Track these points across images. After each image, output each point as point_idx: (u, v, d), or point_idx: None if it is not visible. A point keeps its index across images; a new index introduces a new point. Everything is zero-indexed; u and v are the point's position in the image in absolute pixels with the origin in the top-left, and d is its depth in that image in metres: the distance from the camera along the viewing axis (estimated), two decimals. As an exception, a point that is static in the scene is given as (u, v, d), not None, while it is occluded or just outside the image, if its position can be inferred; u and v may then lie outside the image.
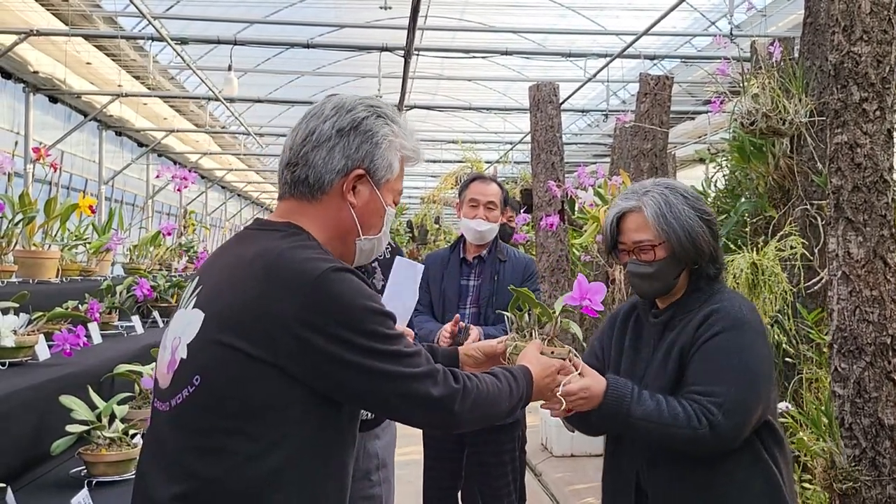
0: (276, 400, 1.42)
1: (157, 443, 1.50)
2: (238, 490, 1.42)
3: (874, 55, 2.60)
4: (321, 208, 1.57)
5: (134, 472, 2.21)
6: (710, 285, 2.00)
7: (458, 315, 3.22)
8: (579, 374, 1.79)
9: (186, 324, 1.49)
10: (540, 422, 6.72)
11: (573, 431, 6.11)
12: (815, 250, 3.42)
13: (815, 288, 3.29)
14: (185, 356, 1.47)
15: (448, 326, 3.18)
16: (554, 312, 1.83)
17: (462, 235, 3.54)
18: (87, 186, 11.14)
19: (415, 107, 10.33)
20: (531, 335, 1.83)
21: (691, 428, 1.79)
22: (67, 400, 2.46)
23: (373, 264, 2.65)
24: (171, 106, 12.62)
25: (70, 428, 2.42)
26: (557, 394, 1.74)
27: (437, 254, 3.71)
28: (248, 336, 1.42)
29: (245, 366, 1.42)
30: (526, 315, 1.88)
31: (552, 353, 1.76)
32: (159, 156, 14.03)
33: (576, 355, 1.82)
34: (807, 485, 3.36)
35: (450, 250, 3.57)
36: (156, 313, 4.57)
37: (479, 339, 3.16)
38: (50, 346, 2.93)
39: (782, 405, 2.95)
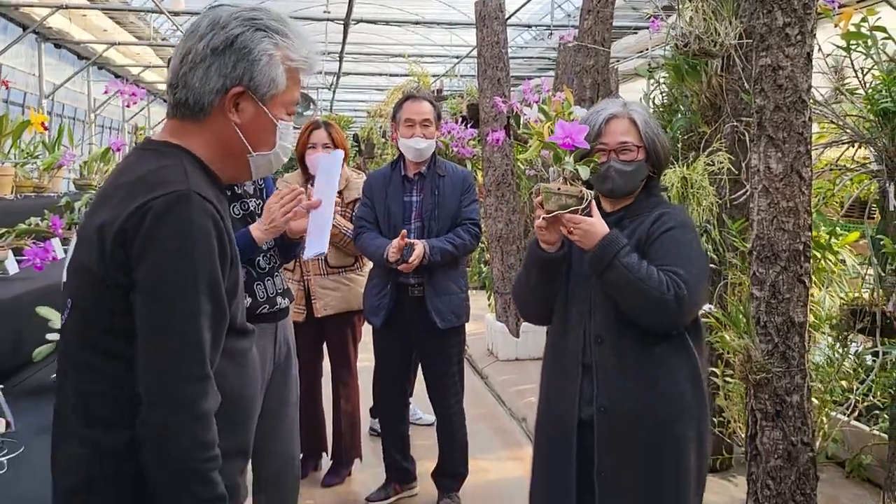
0: (132, 321, 1.41)
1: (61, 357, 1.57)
2: (115, 408, 1.43)
3: (797, -18, 2.78)
4: (205, 128, 1.55)
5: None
6: (657, 195, 2.33)
7: (404, 230, 3.43)
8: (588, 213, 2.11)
9: (71, 245, 1.56)
10: (486, 328, 7.04)
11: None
12: (743, 165, 3.67)
13: (741, 200, 3.55)
14: (64, 279, 1.51)
15: (395, 242, 3.39)
16: (562, 160, 2.12)
17: (401, 154, 3.69)
18: (27, 100, 10.88)
19: (361, 20, 10.25)
20: (557, 177, 2.15)
21: (660, 291, 2.05)
22: (44, 310, 2.61)
23: (246, 189, 2.92)
24: (112, 18, 12.27)
25: (49, 336, 2.57)
26: (564, 216, 2.08)
27: (379, 172, 3.85)
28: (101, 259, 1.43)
29: (100, 288, 1.43)
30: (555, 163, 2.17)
31: (558, 189, 2.07)
32: (100, 69, 13.68)
33: (591, 201, 2.12)
34: (728, 378, 3.70)
35: (391, 168, 3.72)
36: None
37: (424, 253, 3.39)
38: (19, 262, 3.05)
39: (707, 307, 3.24)
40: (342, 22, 10.04)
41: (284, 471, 2.89)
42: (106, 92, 5.67)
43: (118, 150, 5.99)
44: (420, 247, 3.40)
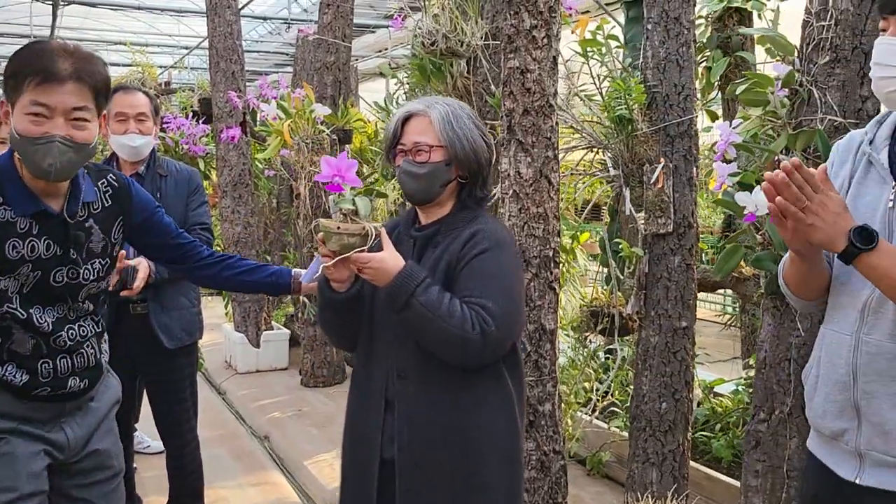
0: None
1: None
2: None
3: (544, -16, 2.74)
4: None
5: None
6: (477, 207, 2.08)
7: (122, 251, 2.80)
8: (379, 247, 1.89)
9: None
10: (224, 339, 6.59)
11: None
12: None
13: (489, 204, 3.49)
14: None
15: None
16: (339, 196, 1.90)
17: (113, 154, 3.21)
18: None
19: (73, 2, 9.25)
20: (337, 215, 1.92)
21: (463, 330, 1.83)
22: None
23: (86, 224, 2.09)
24: None
25: None
26: (348, 259, 1.86)
27: None
28: None
29: None
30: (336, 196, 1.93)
31: (337, 228, 1.85)
32: None
33: (379, 230, 1.90)
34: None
35: None
36: None
37: (149, 272, 2.92)
38: None
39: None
40: (50, 3, 9.01)
41: None
42: None
43: None
44: (144, 267, 2.91)
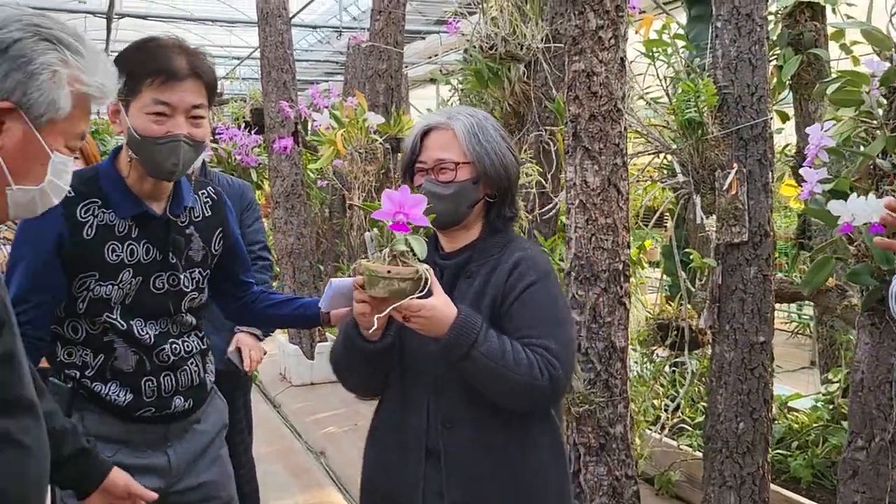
0: None
1: None
2: None
3: (610, -18, 2.59)
4: None
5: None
6: (506, 229, 1.88)
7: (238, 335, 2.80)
8: (428, 291, 1.61)
9: None
10: (278, 351, 6.55)
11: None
12: (549, 176, 3.47)
13: (550, 214, 3.35)
14: None
15: None
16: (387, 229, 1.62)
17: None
18: None
19: (126, 15, 9.35)
20: (380, 254, 1.65)
21: (532, 377, 1.65)
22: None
23: (187, 231, 2.03)
24: None
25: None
26: (398, 307, 1.59)
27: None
28: None
29: None
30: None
31: (388, 272, 1.58)
32: None
33: (430, 277, 1.63)
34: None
35: None
36: None
37: (261, 352, 2.90)
38: None
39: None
40: (104, 16, 9.09)
41: None
42: None
43: None
44: (250, 345, 2.86)
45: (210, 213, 2.09)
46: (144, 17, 9.66)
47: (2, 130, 1.26)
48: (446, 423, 1.78)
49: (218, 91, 2.04)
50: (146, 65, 1.83)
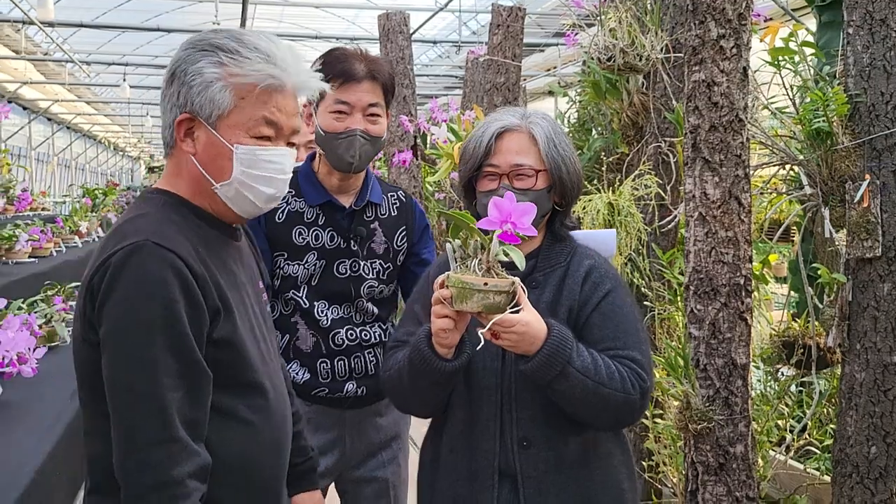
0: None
1: None
2: (107, 475, 1.37)
3: (732, -10, 2.54)
4: (176, 165, 1.52)
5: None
6: (568, 237, 1.84)
7: None
8: (517, 308, 1.55)
9: None
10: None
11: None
12: (668, 188, 3.41)
13: (669, 227, 3.29)
14: None
15: None
16: (489, 239, 1.54)
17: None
18: None
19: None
20: (469, 265, 1.56)
21: (625, 392, 1.62)
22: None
23: (371, 225, 2.21)
24: (-16, 31, 11.42)
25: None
26: (491, 321, 1.51)
27: None
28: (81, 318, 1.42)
29: (85, 348, 1.41)
30: (470, 242, 1.58)
31: (485, 284, 1.50)
32: (-30, 85, 12.74)
33: (523, 289, 1.57)
34: (659, 420, 3.42)
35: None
36: (-32, 265, 4.08)
37: None
38: None
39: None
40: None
41: None
42: (-35, 109, 5.08)
43: (-18, 173, 5.38)
44: None
45: (396, 213, 2.29)
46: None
47: (193, 139, 1.47)
48: (522, 442, 1.69)
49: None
50: (330, 69, 2.06)
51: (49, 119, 17.62)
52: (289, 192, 2.07)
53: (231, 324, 1.45)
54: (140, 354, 1.34)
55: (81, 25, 10.32)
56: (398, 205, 2.32)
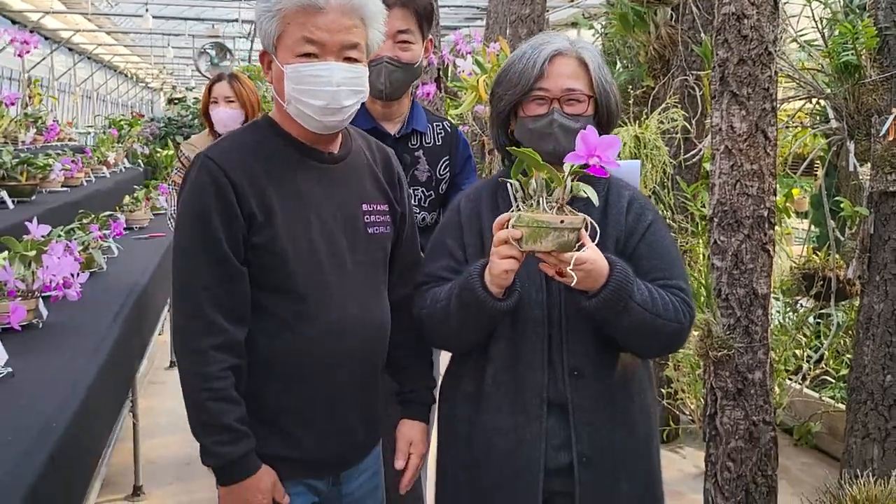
0: None
1: None
2: None
3: (765, -79, 2.53)
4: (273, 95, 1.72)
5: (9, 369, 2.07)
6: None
7: None
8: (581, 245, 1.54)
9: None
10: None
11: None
12: (694, 122, 3.44)
13: (694, 160, 3.33)
14: None
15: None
16: (563, 175, 1.52)
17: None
18: None
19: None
20: (538, 203, 1.54)
21: (678, 321, 1.65)
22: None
23: (415, 153, 2.30)
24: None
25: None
26: (571, 261, 1.51)
27: None
28: None
29: None
30: (532, 180, 1.56)
31: (561, 222, 1.49)
32: (-7, 14, 12.69)
33: (595, 226, 1.58)
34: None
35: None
36: (4, 194, 4.19)
37: None
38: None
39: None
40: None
41: None
42: (-5, 40, 5.13)
43: (12, 103, 5.45)
44: None
45: (440, 143, 2.34)
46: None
47: (270, 69, 1.68)
48: (574, 372, 1.71)
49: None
50: None
51: (70, 49, 17.61)
52: None
53: (271, 231, 1.62)
54: (181, 245, 1.63)
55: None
56: (443, 134, 2.36)
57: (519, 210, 1.55)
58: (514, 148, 1.60)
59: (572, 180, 1.52)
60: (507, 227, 1.54)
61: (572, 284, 1.55)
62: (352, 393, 1.73)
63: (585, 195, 1.51)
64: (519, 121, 1.76)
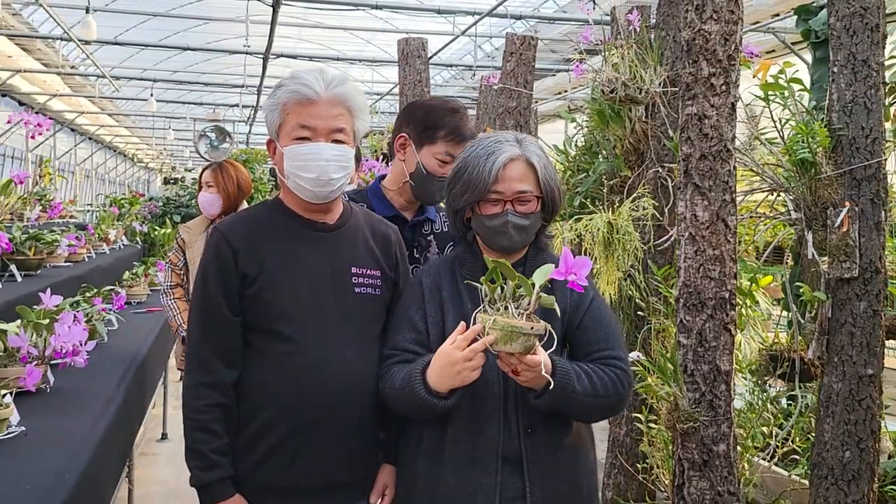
0: None
1: None
2: None
3: (722, 33, 2.81)
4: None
5: (7, 432, 2.21)
6: (546, 247, 2.09)
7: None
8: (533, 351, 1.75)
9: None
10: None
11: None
12: (666, 210, 3.68)
13: (665, 245, 3.56)
14: None
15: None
16: (532, 285, 1.71)
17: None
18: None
19: (281, 55, 10.11)
20: (505, 308, 1.73)
21: (618, 394, 1.88)
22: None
23: (427, 238, 2.59)
24: (17, 44, 11.79)
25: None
26: (536, 363, 1.71)
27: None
28: None
29: None
30: (499, 287, 1.76)
31: (532, 328, 1.68)
32: (3, 96, 13.11)
33: (552, 334, 1.76)
34: (653, 424, 3.68)
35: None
36: (13, 267, 4.39)
37: None
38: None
39: (633, 355, 3.21)
40: (261, 56, 9.92)
41: None
42: (9, 121, 5.40)
43: (21, 182, 5.68)
44: None
45: (447, 229, 2.61)
46: (295, 57, 10.42)
47: (274, 154, 2.00)
48: (528, 429, 1.90)
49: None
50: (448, 123, 2.42)
51: (72, 130, 18.06)
52: (360, 204, 2.37)
53: (261, 284, 1.92)
54: (192, 298, 1.99)
55: (117, 43, 10.78)
56: (448, 221, 2.67)
57: (485, 312, 1.75)
58: (491, 258, 1.81)
59: (537, 293, 1.72)
60: (483, 333, 1.71)
61: (521, 382, 1.79)
62: (332, 427, 1.94)
63: (550, 306, 1.72)
64: (476, 217, 1.99)
